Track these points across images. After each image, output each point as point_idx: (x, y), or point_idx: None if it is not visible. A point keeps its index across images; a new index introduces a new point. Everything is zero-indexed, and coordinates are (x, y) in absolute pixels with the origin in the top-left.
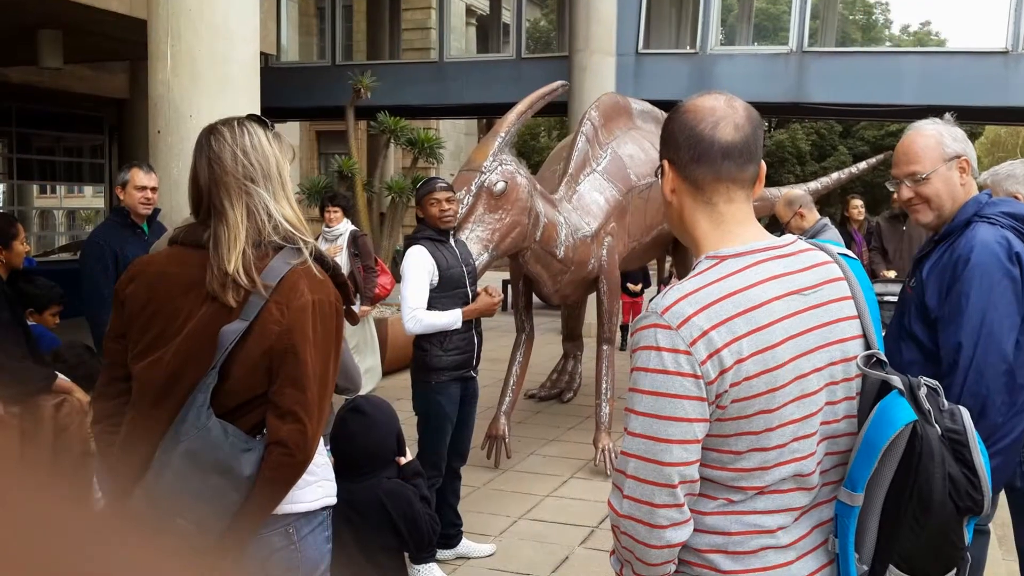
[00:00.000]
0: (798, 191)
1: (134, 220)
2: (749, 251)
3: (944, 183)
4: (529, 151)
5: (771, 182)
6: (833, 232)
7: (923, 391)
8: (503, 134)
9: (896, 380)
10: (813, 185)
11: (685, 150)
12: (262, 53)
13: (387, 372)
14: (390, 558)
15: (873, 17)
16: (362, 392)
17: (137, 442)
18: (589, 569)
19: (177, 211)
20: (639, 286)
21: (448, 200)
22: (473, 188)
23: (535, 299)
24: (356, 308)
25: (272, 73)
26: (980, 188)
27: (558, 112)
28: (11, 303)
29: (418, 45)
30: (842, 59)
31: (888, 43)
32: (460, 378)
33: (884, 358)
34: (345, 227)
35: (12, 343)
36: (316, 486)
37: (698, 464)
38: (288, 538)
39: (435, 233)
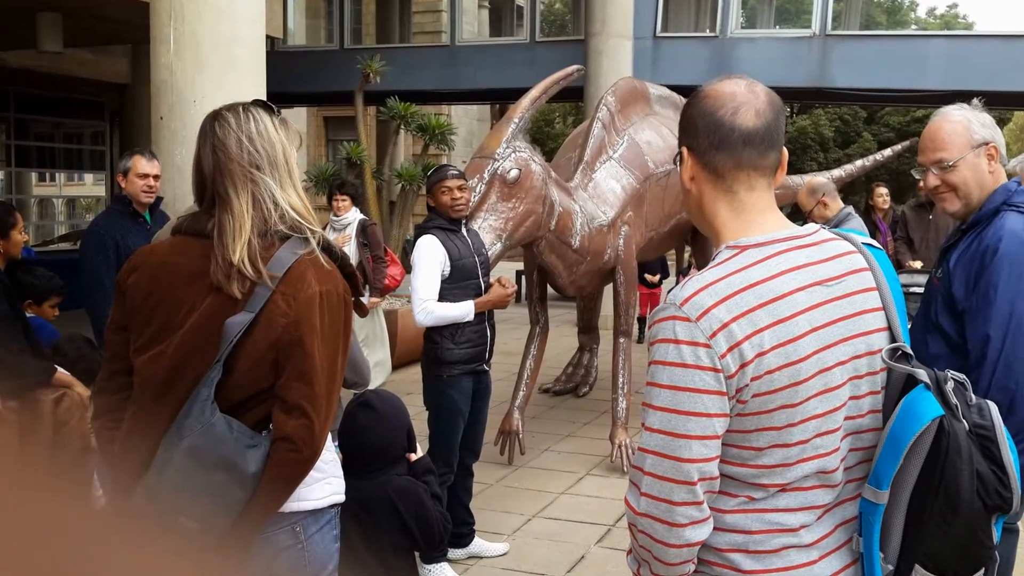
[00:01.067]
0: (821, 179)
1: (136, 209)
2: (771, 240)
3: (972, 170)
4: (544, 137)
5: (793, 169)
6: (857, 221)
7: (950, 385)
8: (517, 120)
9: (922, 374)
10: (837, 173)
11: (705, 136)
12: (268, 36)
13: (397, 366)
14: (400, 558)
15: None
16: (371, 386)
17: (139, 438)
18: (605, 569)
19: (180, 199)
20: (657, 277)
21: (460, 188)
22: (486, 176)
23: (550, 290)
24: (365, 300)
25: (278, 57)
26: (1009, 176)
27: (573, 97)
28: (9, 294)
29: (429, 28)
30: (867, 43)
31: (914, 26)
32: (472, 372)
33: (910, 351)
34: (354, 216)
35: (10, 336)
36: (324, 483)
37: (718, 460)
38: (295, 537)
39: (446, 222)
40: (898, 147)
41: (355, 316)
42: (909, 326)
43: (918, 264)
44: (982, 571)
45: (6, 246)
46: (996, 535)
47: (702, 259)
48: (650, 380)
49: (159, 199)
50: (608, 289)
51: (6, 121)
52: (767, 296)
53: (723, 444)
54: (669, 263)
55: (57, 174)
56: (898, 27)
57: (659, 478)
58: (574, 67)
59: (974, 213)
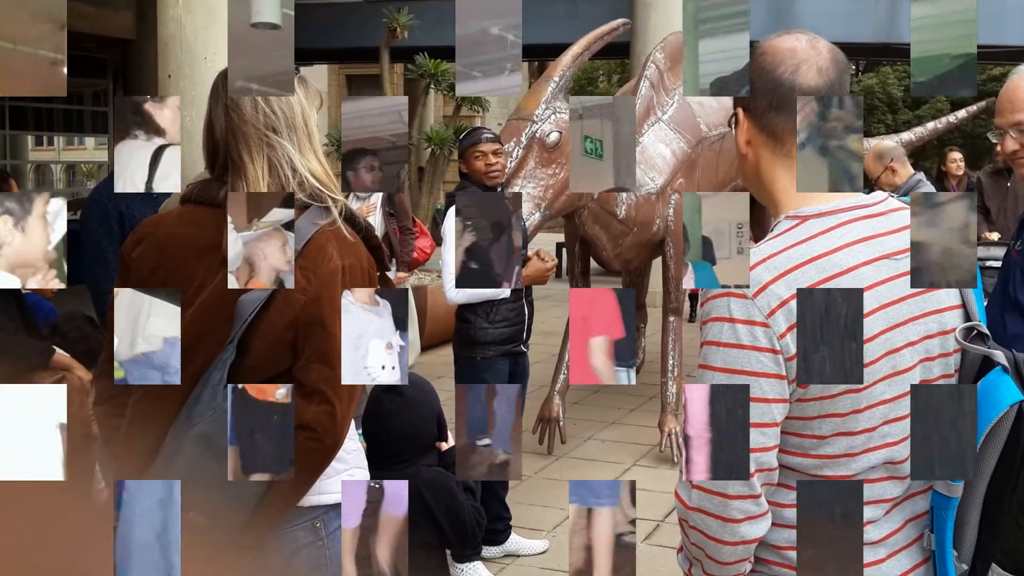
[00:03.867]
0: (889, 143)
1: None
2: (834, 210)
3: None
4: None
5: None
6: (929, 189)
7: None
8: (557, 79)
9: (1000, 356)
10: (906, 136)
11: (762, 97)
12: None
13: (426, 346)
14: (429, 556)
15: None
16: None
17: (144, 425)
18: (654, 568)
19: (189, 165)
20: None
21: (495, 153)
22: (523, 139)
23: (593, 264)
24: (392, 274)
25: (298, 9)
26: None
27: (619, 54)
28: None
29: None
30: None
31: None
32: (508, 353)
33: (986, 331)
34: None
35: (4, 315)
36: (346, 475)
37: (777, 450)
38: (315, 533)
39: (480, 190)
40: (973, 108)
41: None
42: (985, 303)
43: (995, 236)
44: None
45: None
46: None
47: (759, 230)
48: (702, 362)
49: None
50: (657, 263)
51: None
52: (830, 270)
53: (782, 432)
54: None
55: (56, 137)
56: None
57: None
58: (620, 21)
59: None
